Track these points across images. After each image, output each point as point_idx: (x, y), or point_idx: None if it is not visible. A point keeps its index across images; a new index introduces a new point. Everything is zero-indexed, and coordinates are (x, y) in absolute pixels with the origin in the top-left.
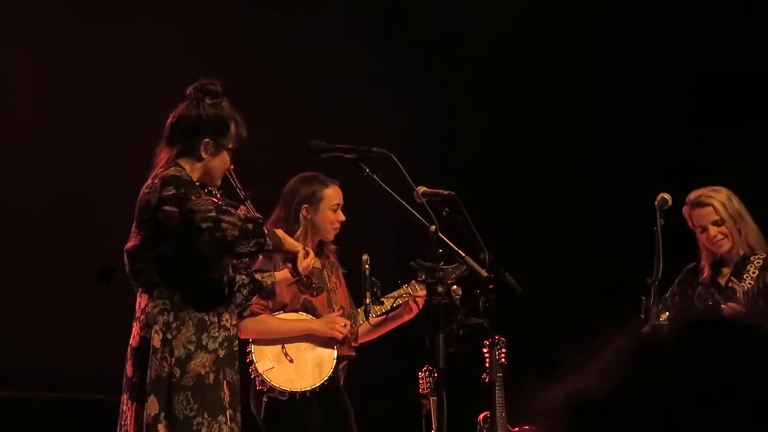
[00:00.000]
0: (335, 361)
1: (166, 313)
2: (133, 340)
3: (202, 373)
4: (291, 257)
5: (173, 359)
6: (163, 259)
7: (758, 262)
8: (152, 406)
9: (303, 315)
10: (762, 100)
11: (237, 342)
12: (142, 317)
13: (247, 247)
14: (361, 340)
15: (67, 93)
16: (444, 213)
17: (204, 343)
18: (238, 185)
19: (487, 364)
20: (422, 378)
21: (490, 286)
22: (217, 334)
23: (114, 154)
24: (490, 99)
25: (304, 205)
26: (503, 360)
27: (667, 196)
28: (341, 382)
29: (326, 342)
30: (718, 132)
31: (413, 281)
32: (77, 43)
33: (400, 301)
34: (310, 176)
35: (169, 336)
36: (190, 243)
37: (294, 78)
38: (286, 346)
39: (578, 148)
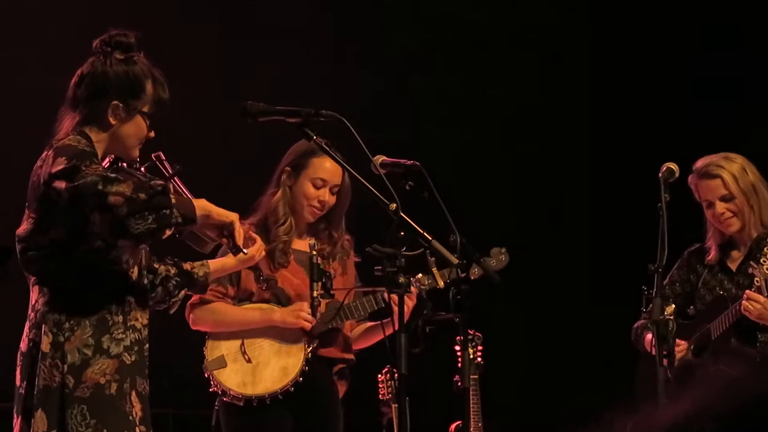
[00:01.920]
0: (305, 360)
1: (57, 311)
2: (22, 344)
3: (102, 382)
4: (227, 231)
5: (65, 366)
6: (56, 245)
7: None
8: (40, 422)
9: (272, 305)
10: None
11: (147, 346)
12: (32, 315)
13: (144, 225)
14: (356, 346)
15: None
16: (407, 187)
17: (105, 346)
18: (162, 157)
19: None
20: (382, 381)
21: (462, 275)
22: (122, 336)
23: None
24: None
25: (286, 169)
26: (479, 359)
27: (673, 166)
28: (334, 387)
29: (293, 339)
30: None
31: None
32: None
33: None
34: (299, 145)
35: (61, 338)
36: (83, 224)
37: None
38: (245, 341)
39: (575, 113)
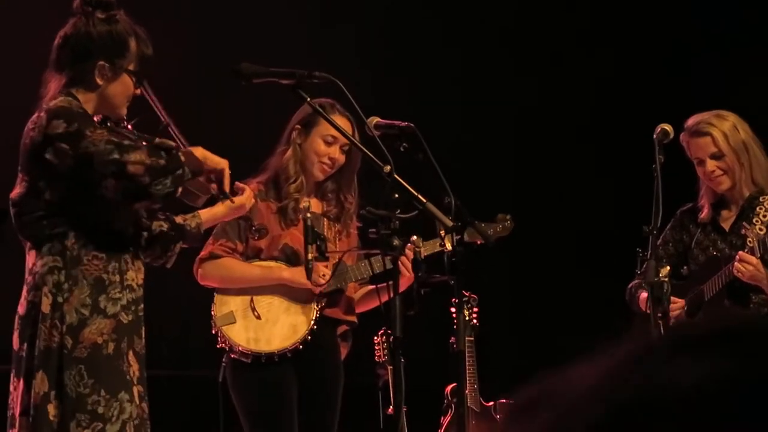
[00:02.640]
0: (315, 319)
1: (56, 272)
2: (20, 307)
3: (99, 342)
4: (216, 176)
5: (64, 327)
6: (52, 208)
7: None
8: (41, 383)
9: (280, 263)
10: None
11: (143, 306)
12: (30, 278)
13: (164, 189)
14: (360, 309)
15: None
16: (401, 149)
17: (102, 306)
18: (158, 106)
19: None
20: (378, 343)
21: (457, 237)
22: (119, 295)
23: None
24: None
25: (296, 126)
26: (475, 321)
27: (668, 127)
28: (337, 348)
29: (304, 296)
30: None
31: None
32: None
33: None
34: (322, 100)
35: (60, 299)
36: (86, 188)
37: None
38: (255, 298)
39: (568, 75)
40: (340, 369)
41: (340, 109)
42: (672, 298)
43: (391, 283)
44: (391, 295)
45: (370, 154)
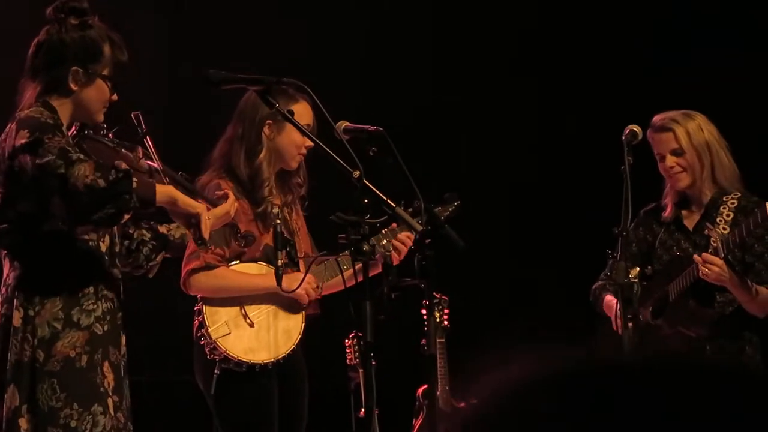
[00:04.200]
0: (304, 321)
1: (28, 285)
2: None
3: (72, 355)
4: (194, 221)
5: (36, 340)
6: (24, 219)
7: (732, 203)
8: (12, 397)
9: (263, 267)
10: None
11: (121, 315)
12: (3, 290)
13: (103, 212)
14: (326, 292)
15: None
16: (371, 153)
17: (75, 319)
18: (141, 120)
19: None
20: (349, 346)
21: (427, 241)
22: (93, 306)
23: None
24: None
25: (268, 122)
26: (446, 323)
27: (636, 128)
28: (303, 357)
29: (292, 303)
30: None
31: (392, 225)
32: None
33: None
34: (283, 85)
35: (32, 312)
36: (46, 202)
37: None
38: (246, 307)
39: (535, 74)
40: (306, 376)
41: (301, 94)
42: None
43: (350, 272)
44: (360, 282)
45: (340, 160)
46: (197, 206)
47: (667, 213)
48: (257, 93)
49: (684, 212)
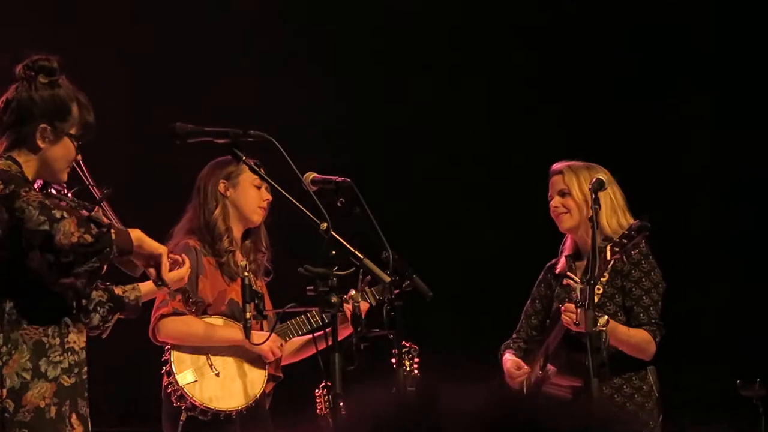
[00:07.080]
0: (265, 380)
1: None
2: None
3: (42, 405)
4: (154, 262)
5: (5, 390)
6: None
7: (610, 261)
8: None
9: (228, 321)
10: None
11: (86, 369)
12: None
13: (87, 266)
14: (296, 358)
15: None
16: (339, 204)
17: (42, 370)
18: (91, 182)
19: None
20: (319, 396)
21: (395, 292)
22: (59, 358)
23: None
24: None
25: (222, 181)
26: (416, 372)
27: (603, 176)
28: (267, 406)
29: (255, 357)
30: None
31: (353, 291)
32: None
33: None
34: (223, 159)
35: (0, 363)
36: (18, 254)
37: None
38: (212, 356)
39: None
40: (272, 427)
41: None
42: (519, 364)
43: (320, 334)
44: (330, 346)
45: (307, 212)
46: (160, 247)
47: (559, 267)
48: (224, 146)
49: (577, 263)
